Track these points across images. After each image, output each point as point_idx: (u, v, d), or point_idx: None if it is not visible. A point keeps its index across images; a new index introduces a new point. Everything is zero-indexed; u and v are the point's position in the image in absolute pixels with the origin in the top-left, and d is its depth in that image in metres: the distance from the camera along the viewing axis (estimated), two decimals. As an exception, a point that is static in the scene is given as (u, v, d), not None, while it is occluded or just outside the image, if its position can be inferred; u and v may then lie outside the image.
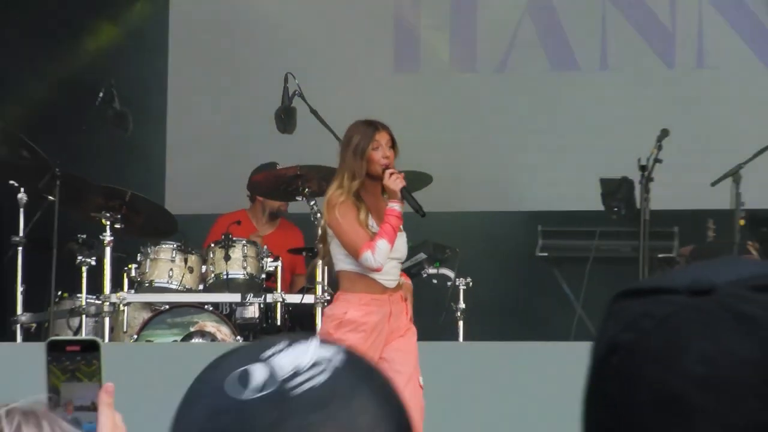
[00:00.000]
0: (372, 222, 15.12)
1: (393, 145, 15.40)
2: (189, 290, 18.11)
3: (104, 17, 22.47)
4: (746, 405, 1.96)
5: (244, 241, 18.30)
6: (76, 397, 4.29)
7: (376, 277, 14.90)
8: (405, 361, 14.15)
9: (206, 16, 23.42)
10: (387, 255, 14.84)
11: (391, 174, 15.06)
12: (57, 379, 4.35)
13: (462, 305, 18.31)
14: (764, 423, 1.96)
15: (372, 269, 14.80)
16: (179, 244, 18.36)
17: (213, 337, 17.49)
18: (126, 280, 17.90)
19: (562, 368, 15.71)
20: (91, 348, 4.43)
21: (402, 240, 15.14)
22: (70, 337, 5.67)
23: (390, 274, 14.86)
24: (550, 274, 20.33)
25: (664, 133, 18.34)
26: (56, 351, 4.38)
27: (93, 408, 4.24)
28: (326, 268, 17.80)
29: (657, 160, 18.18)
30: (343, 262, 15.16)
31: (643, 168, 18.17)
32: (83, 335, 17.38)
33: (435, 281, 18.88)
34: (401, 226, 15.25)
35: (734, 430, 1.97)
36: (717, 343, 1.96)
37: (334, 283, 17.39)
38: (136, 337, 17.58)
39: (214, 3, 23.72)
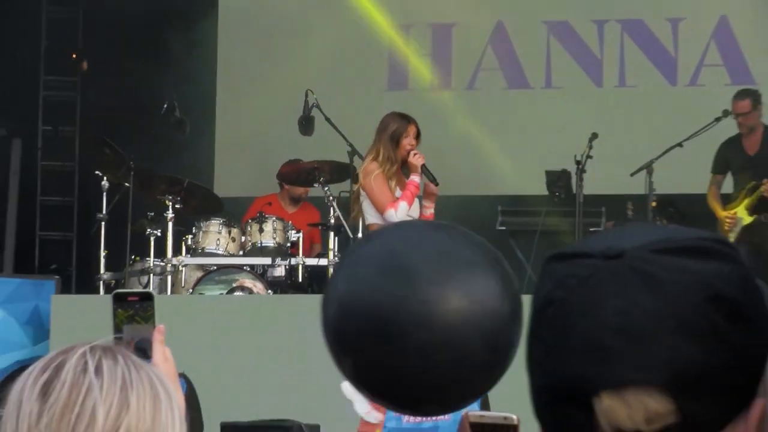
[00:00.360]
0: (396, 189, 15.88)
1: (418, 135, 16.24)
2: (231, 255, 18.23)
3: (169, 43, 21.70)
4: (652, 348, 2.15)
5: (274, 218, 18.45)
6: (136, 336, 4.49)
7: None
8: None
9: (246, 38, 23.29)
10: (406, 213, 15.47)
11: (415, 154, 15.96)
12: (120, 322, 4.57)
13: None
14: (668, 361, 2.15)
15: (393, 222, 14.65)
16: (224, 219, 18.59)
17: (250, 291, 17.54)
18: (184, 247, 18.00)
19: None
20: (147, 298, 4.68)
21: (416, 204, 15.82)
22: (130, 290, 4.95)
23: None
24: (507, 243, 20.05)
25: (594, 136, 18.52)
26: (120, 300, 4.64)
27: (148, 344, 4.44)
28: (337, 237, 18.24)
29: (588, 156, 18.44)
30: (372, 217, 15.80)
31: (578, 162, 18.40)
32: (151, 289, 17.18)
33: None
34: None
35: (643, 368, 2.15)
36: (627, 299, 2.14)
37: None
38: (191, 291, 17.75)
39: (254, 30, 23.24)
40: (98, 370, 3.01)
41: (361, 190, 16.17)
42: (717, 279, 2.15)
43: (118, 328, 4.49)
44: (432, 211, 16.51)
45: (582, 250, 2.26)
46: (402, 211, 15.55)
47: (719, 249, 2.23)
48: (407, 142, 15.92)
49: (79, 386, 3.00)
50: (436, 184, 16.25)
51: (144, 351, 4.22)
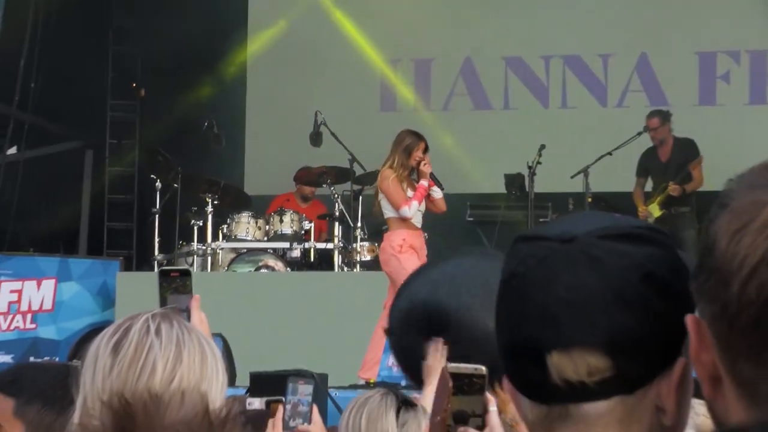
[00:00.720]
0: (407, 190, 15.81)
1: (426, 149, 16.19)
2: (258, 240, 18.40)
3: (208, 74, 22.52)
4: (593, 317, 2.14)
5: (291, 211, 18.63)
6: (178, 305, 4.58)
7: (411, 221, 15.72)
8: None
9: (268, 70, 23.24)
10: (416, 209, 15.61)
11: (425, 164, 15.93)
12: (165, 293, 4.67)
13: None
14: (606, 327, 2.14)
15: (406, 217, 15.59)
16: (252, 212, 18.67)
17: (273, 269, 17.95)
18: (220, 235, 18.33)
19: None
20: (185, 274, 4.79)
21: (424, 202, 15.82)
22: (172, 267, 5.10)
23: (417, 219, 15.65)
24: (474, 232, 20.50)
25: (542, 147, 18.76)
26: (165, 276, 4.75)
27: (187, 310, 4.55)
28: (341, 227, 18.64)
29: (538, 163, 18.67)
30: (389, 212, 15.74)
31: (529, 167, 18.64)
32: (194, 268, 17.50)
33: None
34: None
35: (586, 332, 2.15)
36: (575, 276, 2.16)
37: (348, 235, 18.62)
38: (226, 268, 18.11)
39: (275, 63, 23.09)
40: (158, 332, 3.37)
41: (379, 191, 16.11)
42: (649, 261, 2.20)
43: (163, 299, 4.62)
44: (441, 195, 16.49)
45: (542, 234, 2.28)
46: (413, 208, 15.66)
47: (653, 236, 2.27)
48: (417, 154, 15.88)
49: (143, 345, 3.34)
50: (442, 189, 16.20)
51: (186, 313, 4.41)
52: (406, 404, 5.94)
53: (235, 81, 22.82)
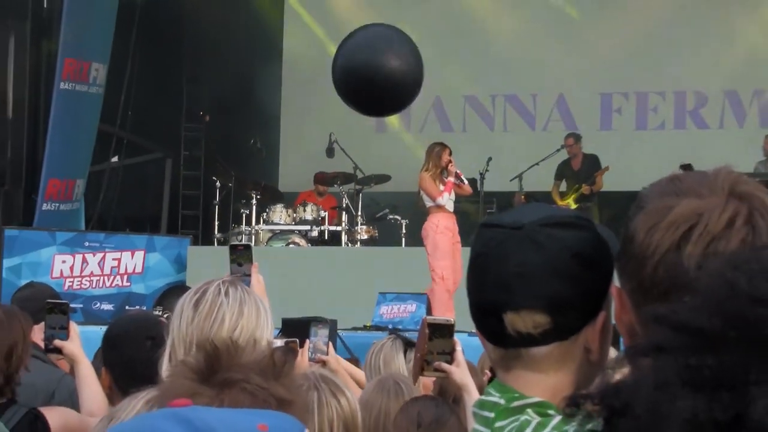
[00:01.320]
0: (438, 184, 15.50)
1: (450, 153, 15.92)
2: (288, 224, 18.21)
3: (250, 102, 22.29)
4: (536, 286, 2.21)
5: (312, 204, 18.51)
6: (242, 270, 4.87)
7: (445, 207, 15.25)
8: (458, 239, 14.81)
9: (294, 102, 22.95)
10: (447, 199, 15.30)
11: (451, 164, 15.57)
12: (233, 262, 4.96)
13: (404, 231, 18.27)
14: (546, 294, 2.21)
15: (440, 205, 15.16)
16: (284, 204, 18.58)
17: (298, 245, 17.82)
18: (261, 220, 18.14)
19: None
20: (247, 248, 5.12)
21: (453, 192, 15.54)
22: (238, 242, 5.46)
23: (449, 206, 15.31)
24: None
25: (489, 159, 18.54)
26: (233, 249, 5.07)
27: (249, 274, 4.77)
28: (347, 216, 18.38)
29: (487, 170, 18.41)
30: (429, 202, 15.41)
31: (480, 174, 18.42)
32: (244, 242, 16.19)
33: (392, 220, 18.63)
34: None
35: (531, 297, 2.21)
36: (523, 255, 2.22)
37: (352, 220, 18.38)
38: (265, 244, 17.81)
39: (299, 96, 22.78)
40: (227, 294, 3.57)
41: (420, 188, 15.90)
42: (577, 243, 2.25)
43: (232, 265, 4.90)
44: (467, 183, 16.42)
45: (499, 222, 2.33)
46: (445, 197, 15.37)
47: (580, 222, 2.31)
48: (445, 157, 15.71)
49: (216, 303, 3.57)
50: (465, 184, 16.05)
51: (246, 279, 4.54)
52: (409, 345, 6.01)
53: (273, 109, 22.43)
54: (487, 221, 2.36)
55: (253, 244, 16.93)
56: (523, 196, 19.30)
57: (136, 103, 20.18)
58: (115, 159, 20.07)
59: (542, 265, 2.20)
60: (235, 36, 21.48)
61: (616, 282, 2.13)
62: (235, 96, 21.38)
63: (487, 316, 2.25)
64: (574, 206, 18.24)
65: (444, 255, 14.48)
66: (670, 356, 1.08)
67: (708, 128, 21.15)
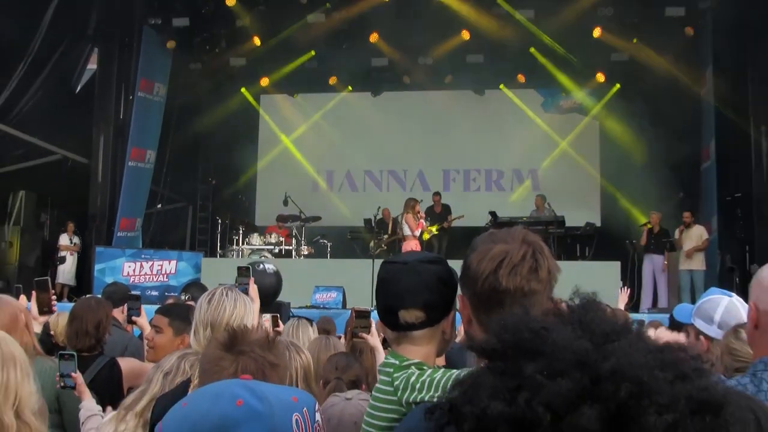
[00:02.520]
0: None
1: (418, 204, 15.08)
2: (261, 246, 17.65)
3: (233, 155, 21.26)
4: (418, 296, 2.20)
5: (275, 233, 18.08)
6: (242, 282, 4.44)
7: (417, 237, 14.52)
8: None
9: (268, 154, 22.10)
10: (419, 233, 14.59)
11: (419, 213, 14.97)
12: (238, 276, 4.52)
13: (329, 249, 17.91)
14: (422, 300, 2.21)
15: (415, 236, 14.45)
16: (259, 233, 18.09)
17: (267, 258, 16.89)
18: (245, 243, 17.75)
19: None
20: (248, 269, 4.60)
21: (425, 225, 14.86)
22: (245, 265, 4.48)
23: (418, 236, 14.48)
24: (351, 243, 19.46)
25: (379, 208, 18.19)
26: (239, 269, 4.59)
27: (247, 284, 4.43)
28: (294, 240, 17.77)
29: (377, 216, 18.08)
30: (408, 232, 14.61)
31: (374, 217, 17.95)
32: (245, 265, 17.49)
33: (322, 243, 18.12)
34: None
35: (414, 302, 2.21)
36: (409, 279, 2.21)
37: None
38: (247, 257, 16.78)
39: (271, 147, 22.06)
40: (227, 295, 3.51)
41: (404, 223, 15.01)
42: (439, 271, 2.22)
43: (239, 277, 4.53)
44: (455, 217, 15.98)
45: (395, 260, 2.29)
46: (418, 232, 14.61)
47: (440, 260, 2.28)
48: (416, 208, 14.84)
49: (221, 300, 3.49)
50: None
51: (246, 287, 4.33)
52: (358, 313, 5.40)
53: (252, 176, 22.10)
54: (387, 260, 2.35)
55: (241, 257, 17.36)
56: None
57: (171, 173, 20.65)
58: (159, 206, 20.44)
59: (420, 283, 2.22)
60: (230, 130, 21.24)
61: (459, 293, 2.07)
62: (230, 168, 21.64)
63: (388, 313, 2.26)
64: (435, 233, 17.77)
65: None
66: (483, 365, 1.00)
67: (504, 191, 21.56)
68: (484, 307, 1.95)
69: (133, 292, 6.13)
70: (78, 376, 4.32)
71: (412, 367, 2.21)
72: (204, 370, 2.33)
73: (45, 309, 5.05)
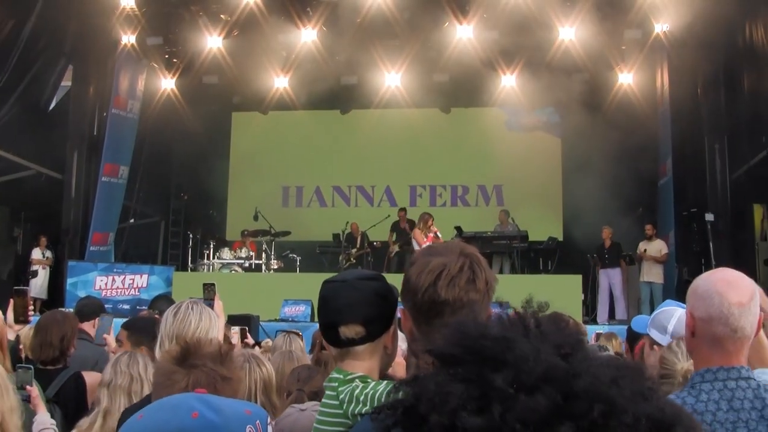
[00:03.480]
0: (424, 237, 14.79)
1: (432, 219, 15.12)
2: (231, 260, 17.54)
3: (209, 171, 21.16)
4: (358, 311, 2.21)
5: (245, 247, 17.96)
6: (208, 297, 4.37)
7: None
8: None
9: (241, 174, 21.98)
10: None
11: (432, 227, 14.99)
12: (204, 292, 4.44)
13: (298, 263, 18.09)
14: (363, 314, 2.21)
15: None
16: (229, 247, 18.03)
17: (237, 271, 17.23)
18: (216, 257, 17.70)
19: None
20: (212, 284, 4.49)
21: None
22: (208, 281, 4.58)
23: None
24: (320, 257, 19.45)
25: (347, 223, 18.35)
26: (205, 285, 4.52)
27: (212, 299, 4.38)
28: (264, 254, 17.74)
29: (345, 230, 18.12)
30: (417, 246, 14.63)
31: (342, 232, 18.00)
32: (204, 270, 17.65)
33: (291, 257, 18.25)
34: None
35: (354, 316, 2.22)
36: (348, 295, 2.22)
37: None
38: (218, 271, 17.17)
39: (244, 165, 21.98)
40: (193, 309, 3.52)
41: (414, 239, 15.29)
42: (377, 287, 2.23)
43: (205, 292, 4.45)
44: (440, 238, 15.07)
45: (334, 279, 2.29)
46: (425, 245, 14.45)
47: (378, 277, 2.29)
48: (429, 222, 14.94)
49: (186, 313, 3.49)
50: (440, 238, 14.91)
51: (211, 303, 4.26)
52: (292, 335, 5.61)
53: (223, 192, 22.01)
54: (326, 280, 2.32)
55: (212, 271, 17.52)
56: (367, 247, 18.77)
57: (144, 188, 20.68)
58: (131, 220, 20.37)
59: (359, 299, 2.23)
60: (203, 146, 21.25)
61: (401, 306, 2.10)
62: (201, 184, 21.69)
63: (329, 329, 2.25)
64: (399, 249, 18.05)
65: None
66: (440, 370, 0.96)
67: (469, 206, 21.82)
68: (424, 318, 1.98)
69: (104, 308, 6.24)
70: (33, 389, 4.23)
71: (356, 380, 2.21)
72: (157, 384, 2.32)
73: (21, 318, 4.98)
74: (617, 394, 0.93)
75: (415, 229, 15.34)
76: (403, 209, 19.52)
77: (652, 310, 14.37)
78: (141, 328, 4.97)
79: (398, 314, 2.25)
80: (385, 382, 2.20)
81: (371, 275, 2.35)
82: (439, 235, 15.00)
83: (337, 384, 2.22)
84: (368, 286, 2.27)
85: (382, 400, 1.81)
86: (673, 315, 4.08)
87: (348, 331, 2.23)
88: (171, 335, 3.43)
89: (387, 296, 2.28)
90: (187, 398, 1.57)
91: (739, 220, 16.18)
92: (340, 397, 2.18)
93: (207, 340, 2.55)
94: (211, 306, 4.07)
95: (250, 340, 6.76)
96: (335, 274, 2.54)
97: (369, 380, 2.21)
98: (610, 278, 16.86)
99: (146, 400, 2.88)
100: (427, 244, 13.93)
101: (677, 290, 16.04)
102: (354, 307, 2.24)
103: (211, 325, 3.53)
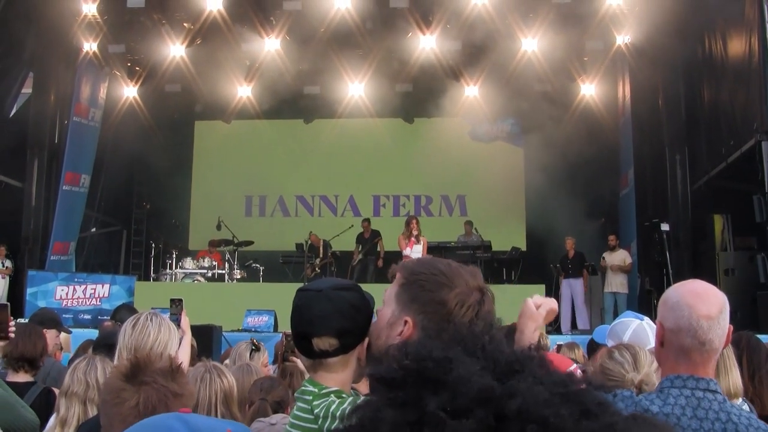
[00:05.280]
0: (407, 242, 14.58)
1: (417, 222, 14.85)
2: (194, 269, 17.62)
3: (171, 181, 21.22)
4: (331, 322, 2.18)
5: (208, 257, 17.99)
6: (175, 312, 4.16)
7: (410, 256, 13.63)
8: None
9: (204, 180, 21.95)
10: (410, 252, 14.22)
11: (415, 231, 14.63)
12: (171, 307, 4.24)
13: (261, 273, 17.96)
14: (336, 326, 2.18)
15: (406, 255, 14.06)
16: (192, 257, 18.09)
17: (200, 281, 17.31)
18: (178, 267, 17.69)
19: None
20: (180, 301, 4.30)
21: (421, 246, 14.53)
22: (178, 297, 4.33)
23: (414, 254, 14.05)
24: (282, 267, 19.15)
25: (310, 233, 18.42)
26: (172, 301, 4.32)
27: (179, 315, 4.19)
28: (227, 263, 17.89)
29: (307, 240, 18.17)
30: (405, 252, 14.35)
31: (306, 242, 18.09)
32: (167, 280, 17.65)
33: (255, 267, 18.26)
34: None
35: (327, 328, 2.19)
36: (321, 306, 2.19)
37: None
38: (181, 281, 17.27)
39: (208, 173, 21.96)
40: (152, 320, 3.50)
41: (398, 244, 14.88)
42: (352, 298, 2.21)
43: (172, 307, 4.29)
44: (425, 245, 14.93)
45: (308, 288, 2.26)
46: (407, 251, 14.35)
47: (354, 287, 2.27)
48: (412, 225, 14.62)
49: (146, 325, 3.47)
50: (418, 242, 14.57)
51: (177, 318, 4.12)
52: (255, 347, 5.67)
53: (186, 201, 22.01)
54: (301, 288, 2.31)
55: (174, 281, 17.54)
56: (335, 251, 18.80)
57: (105, 197, 20.56)
58: (93, 230, 20.31)
59: (332, 310, 2.20)
60: (165, 155, 21.02)
61: (407, 317, 2.07)
62: (163, 193, 21.73)
63: (302, 340, 2.24)
64: (362, 258, 18.24)
65: None
66: (381, 391, 0.97)
67: (433, 216, 21.77)
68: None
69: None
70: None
71: (332, 395, 2.19)
72: (104, 401, 2.26)
73: (2, 334, 4.72)
74: (552, 414, 0.91)
75: (400, 236, 15.06)
76: (367, 220, 19.54)
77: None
78: (103, 340, 4.97)
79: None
80: (362, 398, 2.13)
81: (347, 285, 2.32)
82: (421, 239, 14.83)
83: (311, 398, 2.20)
84: (343, 297, 2.24)
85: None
86: (629, 327, 4.10)
87: (321, 343, 2.21)
88: (129, 347, 3.41)
89: (361, 308, 2.25)
90: (167, 418, 1.53)
91: (700, 231, 16.28)
92: (315, 411, 2.16)
93: (158, 354, 2.52)
94: (178, 322, 4.04)
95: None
96: (308, 282, 2.59)
97: (344, 395, 2.20)
98: (573, 288, 16.93)
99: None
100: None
101: (640, 300, 16.31)
102: (328, 319, 2.22)
103: (170, 337, 3.51)
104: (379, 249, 18.70)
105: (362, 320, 2.25)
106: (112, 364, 3.74)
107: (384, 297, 2.20)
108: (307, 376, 4.14)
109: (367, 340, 2.26)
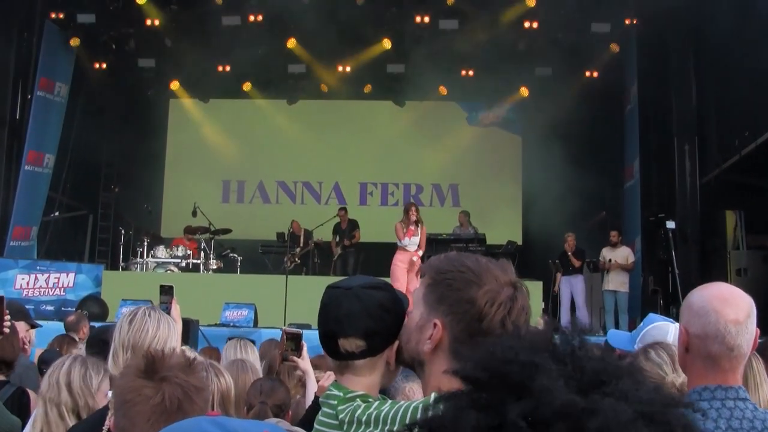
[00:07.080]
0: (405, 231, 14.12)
1: (416, 211, 14.47)
2: (167, 258, 17.42)
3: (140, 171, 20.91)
4: (358, 323, 2.22)
5: (182, 246, 17.78)
6: (165, 300, 4.34)
7: (405, 247, 13.99)
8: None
9: (179, 166, 21.64)
10: (407, 242, 14.01)
11: (414, 218, 14.24)
12: (162, 295, 4.43)
13: (239, 264, 17.84)
14: (363, 326, 2.21)
15: (402, 245, 13.99)
16: (165, 246, 17.89)
17: (173, 271, 17.08)
18: (150, 255, 17.37)
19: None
20: (171, 288, 4.47)
21: (417, 237, 14.27)
22: (168, 284, 4.21)
23: (411, 246, 13.96)
24: (262, 257, 19.05)
25: (292, 222, 18.19)
26: (162, 287, 4.49)
27: (169, 303, 4.29)
28: (203, 253, 17.56)
29: (290, 229, 17.84)
30: (397, 242, 14.19)
31: (290, 231, 17.83)
32: (137, 270, 17.48)
33: (232, 257, 18.08)
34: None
35: (354, 329, 2.22)
36: (350, 304, 2.22)
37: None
38: (152, 271, 17.05)
39: (181, 161, 21.65)
40: (149, 315, 3.49)
41: (396, 234, 14.52)
42: (382, 298, 2.23)
43: (162, 296, 4.43)
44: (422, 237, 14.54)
45: (338, 285, 2.30)
46: (404, 241, 14.20)
47: (385, 286, 2.29)
48: (411, 212, 14.21)
49: (143, 321, 3.46)
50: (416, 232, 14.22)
51: (167, 307, 4.20)
52: (288, 335, 5.44)
53: (159, 185, 21.67)
54: (331, 285, 2.35)
55: (144, 269, 17.38)
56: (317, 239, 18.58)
57: (71, 179, 20.14)
58: (56, 213, 19.94)
59: (361, 310, 2.23)
60: (136, 135, 20.85)
61: (433, 317, 2.07)
62: (134, 175, 21.30)
63: (329, 340, 2.28)
64: (341, 252, 18.31)
65: (395, 279, 13.68)
66: (464, 392, 1.01)
67: (423, 206, 20.13)
68: (468, 338, 1.96)
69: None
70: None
71: (357, 399, 2.19)
72: (125, 401, 2.26)
73: None
74: None
75: (397, 224, 14.71)
76: (344, 208, 19.28)
77: (617, 319, 15.37)
78: (95, 340, 4.99)
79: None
80: (390, 402, 2.15)
81: (378, 284, 2.32)
82: (419, 226, 14.52)
83: (336, 402, 2.20)
84: (372, 296, 2.25)
85: (387, 421, 2.01)
86: (668, 331, 4.04)
87: (348, 344, 2.24)
88: (126, 345, 3.42)
89: (392, 308, 2.26)
90: (199, 422, 1.51)
91: (709, 227, 16.00)
92: (340, 416, 2.16)
93: (168, 350, 2.59)
94: (168, 311, 4.06)
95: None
96: (342, 278, 2.51)
97: (370, 399, 2.19)
98: (572, 286, 16.48)
99: (97, 416, 3.08)
100: (401, 250, 14.20)
101: (643, 300, 16.01)
102: (355, 319, 2.24)
103: (169, 333, 3.51)
104: (355, 239, 18.62)
105: (391, 322, 2.25)
106: (104, 365, 3.76)
107: (413, 298, 2.19)
108: (305, 377, 4.62)
109: (396, 343, 2.25)
